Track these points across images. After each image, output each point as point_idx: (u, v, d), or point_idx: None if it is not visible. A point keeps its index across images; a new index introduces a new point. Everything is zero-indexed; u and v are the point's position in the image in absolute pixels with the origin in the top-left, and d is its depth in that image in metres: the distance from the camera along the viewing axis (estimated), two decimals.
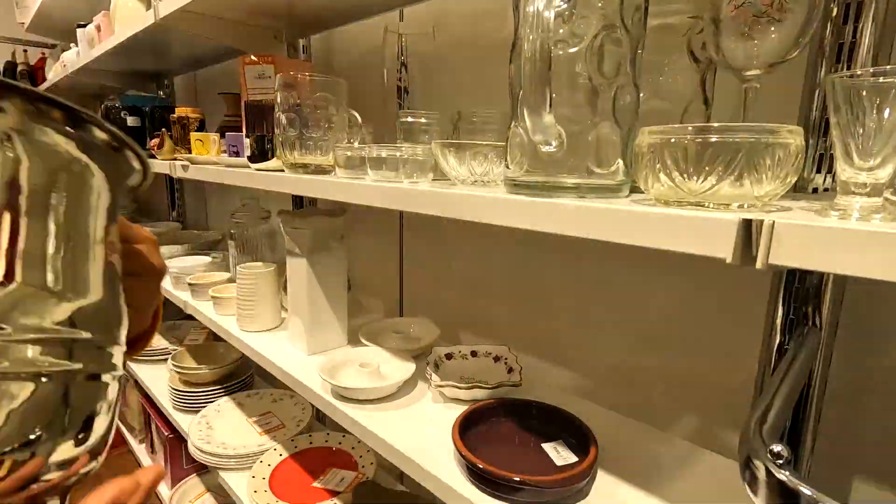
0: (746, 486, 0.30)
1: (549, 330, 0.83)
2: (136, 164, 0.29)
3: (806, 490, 0.25)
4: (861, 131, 0.30)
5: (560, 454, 0.56)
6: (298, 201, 1.23)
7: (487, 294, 0.92)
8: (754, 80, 0.42)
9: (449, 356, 0.76)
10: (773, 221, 0.28)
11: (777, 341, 0.53)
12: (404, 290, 1.10)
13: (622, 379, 0.74)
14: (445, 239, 0.99)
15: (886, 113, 0.28)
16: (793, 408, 0.49)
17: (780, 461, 0.27)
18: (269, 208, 1.27)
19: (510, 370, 0.73)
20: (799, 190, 0.50)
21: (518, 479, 0.48)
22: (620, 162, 0.41)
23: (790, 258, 0.28)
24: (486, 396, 0.66)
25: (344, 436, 1.12)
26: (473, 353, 0.77)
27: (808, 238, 0.27)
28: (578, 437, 0.57)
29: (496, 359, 0.76)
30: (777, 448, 0.27)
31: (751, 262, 0.30)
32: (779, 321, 0.53)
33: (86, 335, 0.24)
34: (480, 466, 0.50)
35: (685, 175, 0.32)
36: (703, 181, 0.32)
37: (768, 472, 0.27)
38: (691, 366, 0.67)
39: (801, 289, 0.51)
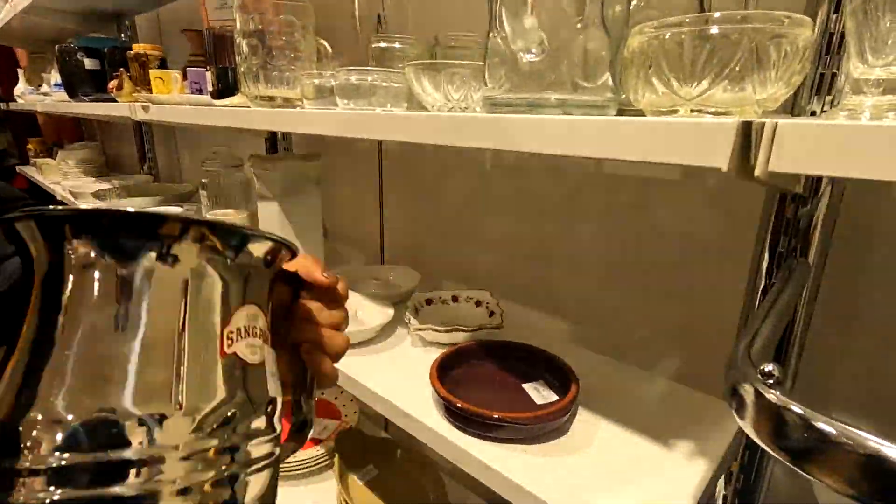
0: (734, 413, 0.28)
1: (533, 275, 0.81)
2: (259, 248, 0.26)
3: (797, 408, 0.24)
4: (875, 31, 0.27)
5: (540, 393, 0.55)
6: (272, 147, 1.18)
7: (471, 241, 0.90)
8: None
9: (429, 301, 0.74)
10: (776, 122, 0.25)
11: (763, 282, 0.52)
12: (385, 239, 1.07)
13: (606, 321, 0.73)
14: (427, 185, 0.95)
15: None
16: (779, 339, 0.48)
17: (771, 381, 0.25)
18: (243, 157, 1.21)
19: (491, 314, 0.72)
20: (796, 115, 0.47)
21: (496, 416, 0.47)
22: (609, 76, 0.37)
23: (794, 164, 0.25)
24: (466, 339, 0.64)
25: None
26: (454, 299, 0.75)
27: (813, 139, 0.24)
28: (559, 377, 0.56)
29: (477, 303, 0.75)
30: (768, 367, 0.25)
31: (749, 172, 0.27)
32: (765, 261, 0.51)
33: (212, 443, 0.22)
34: (458, 405, 0.49)
35: (680, 79, 0.29)
36: (698, 84, 0.28)
37: (757, 394, 0.25)
38: (676, 305, 0.66)
39: (791, 221, 0.49)
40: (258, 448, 0.24)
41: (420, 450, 0.93)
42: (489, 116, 0.37)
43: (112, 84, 1.09)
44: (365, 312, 0.72)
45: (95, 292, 0.21)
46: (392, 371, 0.61)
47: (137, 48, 1.03)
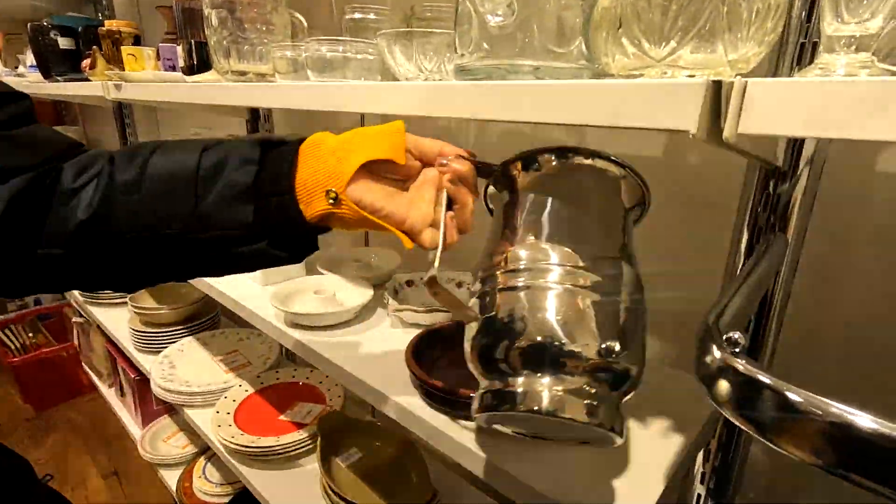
0: (701, 384, 0.28)
1: None
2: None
3: (763, 377, 0.23)
4: None
5: None
6: (253, 128, 1.15)
7: None
8: None
9: (409, 283, 0.73)
10: (746, 81, 0.24)
11: (742, 260, 0.51)
12: None
13: None
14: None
15: None
16: (754, 312, 0.47)
17: (737, 349, 0.24)
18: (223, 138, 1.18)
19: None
20: None
21: (472, 396, 0.46)
22: (581, 41, 0.36)
23: (766, 124, 0.24)
24: (446, 320, 0.63)
25: (311, 370, 1.11)
26: None
27: (785, 97, 0.23)
28: None
29: (458, 285, 0.74)
30: (734, 336, 0.25)
31: (718, 134, 0.26)
32: (744, 239, 0.50)
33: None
34: (438, 386, 0.48)
35: (649, 39, 0.28)
36: (667, 44, 0.27)
37: (722, 362, 0.25)
38: (655, 284, 0.65)
39: (771, 197, 0.48)
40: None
41: (403, 432, 0.93)
42: (457, 84, 0.36)
43: (85, 63, 1.06)
44: (344, 294, 0.71)
45: None
46: (370, 352, 0.60)
47: (110, 24, 1.00)
